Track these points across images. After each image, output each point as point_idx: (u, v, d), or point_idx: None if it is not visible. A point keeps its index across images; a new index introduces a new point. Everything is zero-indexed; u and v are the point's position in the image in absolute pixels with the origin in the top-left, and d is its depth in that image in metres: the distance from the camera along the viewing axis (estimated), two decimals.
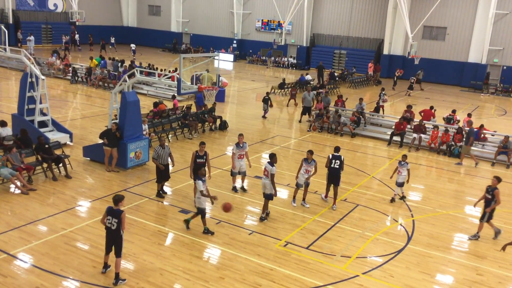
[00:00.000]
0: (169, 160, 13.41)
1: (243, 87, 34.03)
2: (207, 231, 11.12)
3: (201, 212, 10.98)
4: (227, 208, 10.76)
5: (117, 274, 8.92)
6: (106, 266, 9.26)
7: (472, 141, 18.78)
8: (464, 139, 19.23)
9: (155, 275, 9.31)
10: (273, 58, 47.70)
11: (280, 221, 12.06)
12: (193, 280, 9.24)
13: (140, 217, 11.83)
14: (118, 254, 8.95)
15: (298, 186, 13.13)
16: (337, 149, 13.50)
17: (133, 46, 42.43)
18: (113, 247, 8.97)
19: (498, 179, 11.91)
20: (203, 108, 21.14)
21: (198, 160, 12.50)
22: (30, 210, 11.84)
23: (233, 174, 13.96)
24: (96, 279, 9.03)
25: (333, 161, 13.05)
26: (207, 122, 20.82)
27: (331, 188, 13.30)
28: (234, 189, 14.01)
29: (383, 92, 26.17)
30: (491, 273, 10.07)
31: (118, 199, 8.88)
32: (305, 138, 20.89)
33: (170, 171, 13.54)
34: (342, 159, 13.21)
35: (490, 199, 11.72)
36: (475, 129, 20.42)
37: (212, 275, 9.47)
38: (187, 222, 11.35)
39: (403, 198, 14.10)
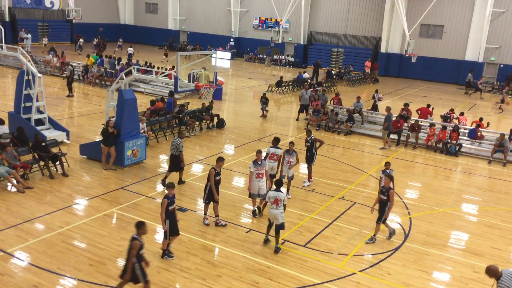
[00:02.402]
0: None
1: (240, 85, 34.01)
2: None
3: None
4: None
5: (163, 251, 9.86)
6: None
7: (388, 126, 19.88)
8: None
9: (152, 273, 9.29)
10: (270, 56, 47.63)
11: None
12: (190, 278, 9.24)
13: (137, 215, 11.81)
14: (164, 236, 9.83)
15: (281, 177, 12.90)
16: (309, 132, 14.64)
17: (130, 49, 41.97)
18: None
19: (390, 178, 11.32)
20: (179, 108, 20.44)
21: (216, 178, 11.31)
22: (27, 208, 11.81)
23: (252, 196, 12.22)
24: (93, 277, 9.02)
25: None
26: (204, 120, 20.80)
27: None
28: (254, 213, 12.27)
29: (377, 93, 26.44)
30: None
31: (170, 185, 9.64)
32: (303, 136, 20.88)
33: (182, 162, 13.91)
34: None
35: (386, 200, 10.95)
36: (471, 127, 20.53)
37: (209, 273, 9.48)
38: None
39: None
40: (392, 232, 11.53)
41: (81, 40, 43.10)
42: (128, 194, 13.13)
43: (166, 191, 9.61)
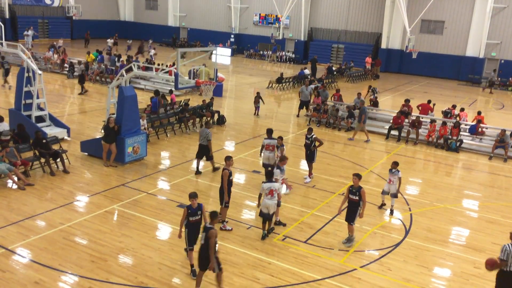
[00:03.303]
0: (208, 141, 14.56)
1: (241, 82, 33.98)
2: (278, 223, 11.50)
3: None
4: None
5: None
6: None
7: (365, 118, 20.16)
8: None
9: (153, 270, 9.33)
10: (271, 53, 47.48)
11: (278, 215, 12.06)
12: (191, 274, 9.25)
13: (138, 211, 11.83)
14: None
15: (265, 166, 13.77)
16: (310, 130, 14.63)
17: (152, 51, 41.58)
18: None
19: (359, 177, 10.53)
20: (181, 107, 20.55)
21: (230, 178, 11.10)
22: (28, 205, 11.83)
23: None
24: (95, 274, 9.04)
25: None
26: (205, 116, 20.79)
27: None
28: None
29: (373, 88, 26.39)
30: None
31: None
32: (303, 132, 20.87)
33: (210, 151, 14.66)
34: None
35: (358, 200, 10.42)
36: (472, 124, 20.54)
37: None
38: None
39: (391, 212, 12.79)
40: (351, 239, 10.82)
41: (109, 41, 41.59)
42: (129, 190, 13.14)
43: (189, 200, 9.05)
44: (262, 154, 13.96)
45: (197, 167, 14.71)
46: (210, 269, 8.39)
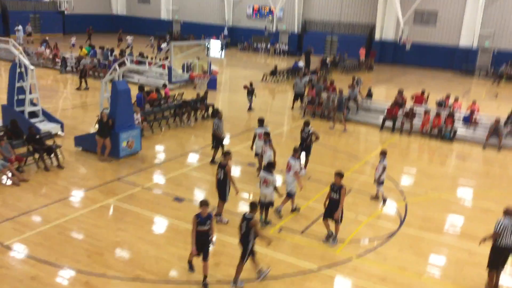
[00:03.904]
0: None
1: (235, 75, 33.90)
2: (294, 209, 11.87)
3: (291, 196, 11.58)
4: None
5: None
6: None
7: (344, 108, 20.69)
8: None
9: (150, 263, 9.34)
10: (270, 45, 47.27)
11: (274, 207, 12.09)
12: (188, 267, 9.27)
13: (134, 205, 11.82)
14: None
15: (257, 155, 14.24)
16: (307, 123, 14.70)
17: (129, 38, 41.34)
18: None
19: (340, 176, 10.25)
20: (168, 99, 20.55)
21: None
22: (23, 201, 11.78)
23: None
24: (91, 268, 9.04)
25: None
26: (199, 110, 20.75)
27: None
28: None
29: (357, 79, 26.18)
30: (483, 253, 10.14)
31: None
32: (299, 125, 20.88)
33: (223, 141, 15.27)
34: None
35: (338, 199, 10.17)
36: (466, 113, 20.62)
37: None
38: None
39: (384, 201, 12.83)
40: (330, 235, 10.54)
41: (129, 37, 40.68)
42: (124, 185, 13.12)
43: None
44: (255, 143, 14.23)
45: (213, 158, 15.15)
46: (268, 244, 8.96)
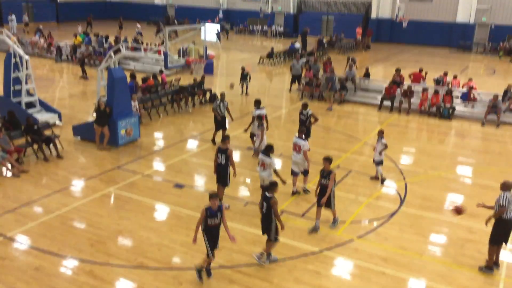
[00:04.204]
0: (226, 112, 15.38)
1: (231, 59, 33.69)
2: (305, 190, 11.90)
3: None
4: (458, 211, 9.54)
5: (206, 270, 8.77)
6: None
7: (331, 86, 21.14)
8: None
9: (153, 250, 9.40)
10: (267, 27, 46.82)
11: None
12: (191, 253, 9.33)
13: (135, 193, 11.85)
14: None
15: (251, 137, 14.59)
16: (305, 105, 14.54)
17: (138, 26, 40.47)
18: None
19: (329, 161, 10.18)
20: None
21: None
22: (23, 192, 11.81)
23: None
24: (94, 257, 9.10)
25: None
26: (197, 95, 20.66)
27: None
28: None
29: (352, 59, 26.05)
30: (483, 231, 10.17)
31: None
32: (297, 107, 20.82)
33: (226, 123, 15.52)
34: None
35: (327, 184, 10.05)
36: (464, 90, 20.58)
37: None
38: None
39: (382, 181, 12.86)
40: (315, 228, 10.33)
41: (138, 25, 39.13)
42: (124, 173, 13.13)
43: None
44: (252, 125, 14.45)
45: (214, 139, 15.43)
46: (282, 229, 8.93)
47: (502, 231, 8.87)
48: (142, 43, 31.51)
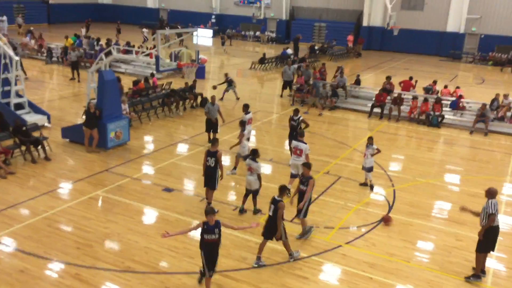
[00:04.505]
0: (218, 115, 15.61)
1: (223, 63, 33.71)
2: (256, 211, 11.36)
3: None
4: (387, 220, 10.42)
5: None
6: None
7: (316, 93, 21.47)
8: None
9: (140, 254, 9.34)
10: (260, 33, 46.92)
11: (264, 196, 12.08)
12: (178, 257, 9.29)
13: (123, 197, 11.78)
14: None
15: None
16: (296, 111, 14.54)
17: (145, 31, 39.97)
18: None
19: (307, 166, 10.08)
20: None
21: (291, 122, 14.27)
22: (10, 193, 11.68)
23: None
24: (81, 260, 9.01)
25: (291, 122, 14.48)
26: (188, 99, 20.64)
27: None
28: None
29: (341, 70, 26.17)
30: (470, 238, 10.29)
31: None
32: (288, 113, 20.87)
33: (217, 126, 15.78)
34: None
35: (305, 190, 9.90)
36: (453, 99, 20.79)
37: (197, 251, 9.40)
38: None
39: (371, 188, 12.94)
40: (308, 231, 10.28)
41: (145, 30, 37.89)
42: (113, 176, 13.05)
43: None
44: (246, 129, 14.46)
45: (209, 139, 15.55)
46: (276, 238, 9.09)
47: (490, 239, 8.89)
48: (147, 48, 31.34)
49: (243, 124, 13.86)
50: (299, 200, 10.12)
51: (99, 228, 10.23)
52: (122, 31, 42.27)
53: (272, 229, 9.04)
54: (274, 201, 8.95)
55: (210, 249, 7.92)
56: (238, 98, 22.37)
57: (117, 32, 41.60)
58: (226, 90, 22.23)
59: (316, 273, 9.08)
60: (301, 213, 10.04)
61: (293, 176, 12.24)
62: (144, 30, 40.15)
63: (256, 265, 9.14)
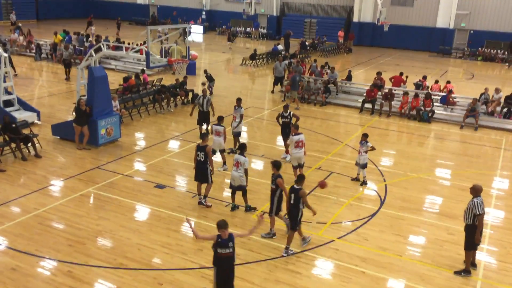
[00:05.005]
0: (210, 108, 15.81)
1: (214, 59, 33.63)
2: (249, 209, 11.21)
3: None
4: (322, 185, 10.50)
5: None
6: None
7: (297, 86, 21.44)
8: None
9: (133, 251, 9.30)
10: (253, 29, 46.76)
11: (256, 192, 12.14)
12: (171, 253, 9.27)
13: (115, 194, 11.71)
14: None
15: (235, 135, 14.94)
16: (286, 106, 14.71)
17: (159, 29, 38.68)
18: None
19: (275, 165, 9.95)
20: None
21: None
22: (0, 191, 11.56)
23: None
24: (73, 257, 8.96)
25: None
26: (179, 96, 20.56)
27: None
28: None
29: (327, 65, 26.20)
30: (461, 232, 10.35)
31: None
32: (279, 109, 20.87)
33: (209, 118, 15.90)
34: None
35: (275, 189, 9.89)
36: (443, 94, 20.92)
37: (190, 248, 9.52)
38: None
39: (363, 183, 12.94)
40: (270, 233, 10.14)
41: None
42: (104, 173, 12.98)
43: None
44: (232, 123, 14.94)
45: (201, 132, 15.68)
46: (314, 214, 9.51)
47: (472, 235, 8.94)
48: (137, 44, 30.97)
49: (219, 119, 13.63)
50: (270, 198, 10.07)
51: (91, 225, 10.17)
52: (110, 27, 41.91)
53: (295, 219, 9.37)
54: (295, 190, 9.25)
55: (224, 265, 7.20)
56: (212, 93, 22.28)
57: (117, 28, 41.20)
58: (210, 86, 22.32)
59: (309, 268, 9.11)
60: (273, 210, 10.01)
61: (295, 167, 12.72)
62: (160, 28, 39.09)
63: (286, 254, 9.41)
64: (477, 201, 8.69)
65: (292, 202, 9.30)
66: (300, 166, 12.71)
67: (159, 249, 9.42)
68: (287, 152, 14.76)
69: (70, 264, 8.78)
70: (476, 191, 8.86)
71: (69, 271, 8.56)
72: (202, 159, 10.87)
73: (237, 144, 14.25)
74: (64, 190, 11.90)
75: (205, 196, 11.23)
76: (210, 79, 22.48)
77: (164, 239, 9.74)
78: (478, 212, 8.64)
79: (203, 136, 11.16)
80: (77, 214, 10.67)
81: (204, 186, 11.28)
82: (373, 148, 12.81)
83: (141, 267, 8.81)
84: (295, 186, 9.34)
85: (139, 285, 8.27)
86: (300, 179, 9.48)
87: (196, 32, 46.60)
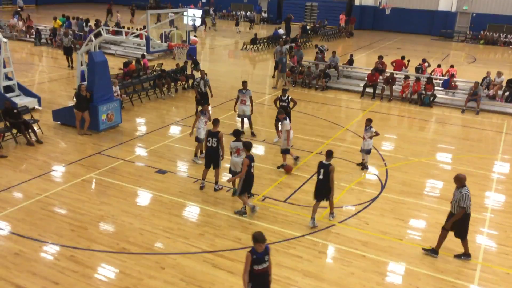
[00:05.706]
0: (208, 89, 16.28)
1: (214, 44, 33.43)
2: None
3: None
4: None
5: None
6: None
7: (282, 68, 21.34)
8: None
9: (135, 235, 9.36)
10: (255, 13, 46.35)
11: (257, 177, 12.10)
12: (173, 238, 9.33)
13: (116, 179, 11.75)
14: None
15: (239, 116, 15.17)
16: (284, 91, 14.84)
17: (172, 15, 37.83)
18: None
19: (247, 147, 9.94)
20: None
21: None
22: (2, 177, 11.60)
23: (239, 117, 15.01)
24: (75, 242, 9.02)
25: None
26: (180, 81, 20.49)
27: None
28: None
29: (320, 46, 26.10)
30: None
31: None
32: (279, 93, 20.81)
33: (208, 98, 16.32)
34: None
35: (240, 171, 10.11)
36: (445, 78, 20.82)
37: (192, 232, 9.58)
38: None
39: (364, 167, 13.00)
40: (252, 208, 10.21)
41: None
42: (106, 158, 13.00)
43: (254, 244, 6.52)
44: (237, 107, 14.99)
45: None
46: (329, 198, 9.95)
47: (467, 225, 8.99)
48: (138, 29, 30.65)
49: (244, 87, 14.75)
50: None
51: (93, 210, 10.23)
52: (114, 12, 41.56)
53: (324, 191, 9.79)
54: (324, 166, 9.69)
55: (260, 280, 6.54)
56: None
57: (131, 15, 40.75)
58: (194, 69, 21.83)
59: (310, 252, 9.17)
60: (236, 191, 10.21)
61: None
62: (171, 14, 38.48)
63: (312, 225, 9.85)
64: (466, 194, 8.64)
65: (321, 177, 9.69)
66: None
67: (161, 234, 9.48)
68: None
69: (73, 248, 8.84)
70: (460, 180, 8.78)
71: (72, 256, 8.63)
72: (214, 145, 10.87)
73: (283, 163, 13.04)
74: (66, 176, 11.93)
75: (216, 182, 11.31)
76: (196, 62, 22.30)
77: (166, 223, 9.79)
78: (463, 205, 8.66)
79: (215, 122, 11.07)
80: (79, 199, 10.72)
81: (213, 172, 11.28)
82: (377, 134, 12.80)
83: (143, 252, 8.88)
84: (324, 161, 9.73)
85: (142, 269, 8.34)
86: (329, 154, 9.80)
87: (196, 17, 46.14)
